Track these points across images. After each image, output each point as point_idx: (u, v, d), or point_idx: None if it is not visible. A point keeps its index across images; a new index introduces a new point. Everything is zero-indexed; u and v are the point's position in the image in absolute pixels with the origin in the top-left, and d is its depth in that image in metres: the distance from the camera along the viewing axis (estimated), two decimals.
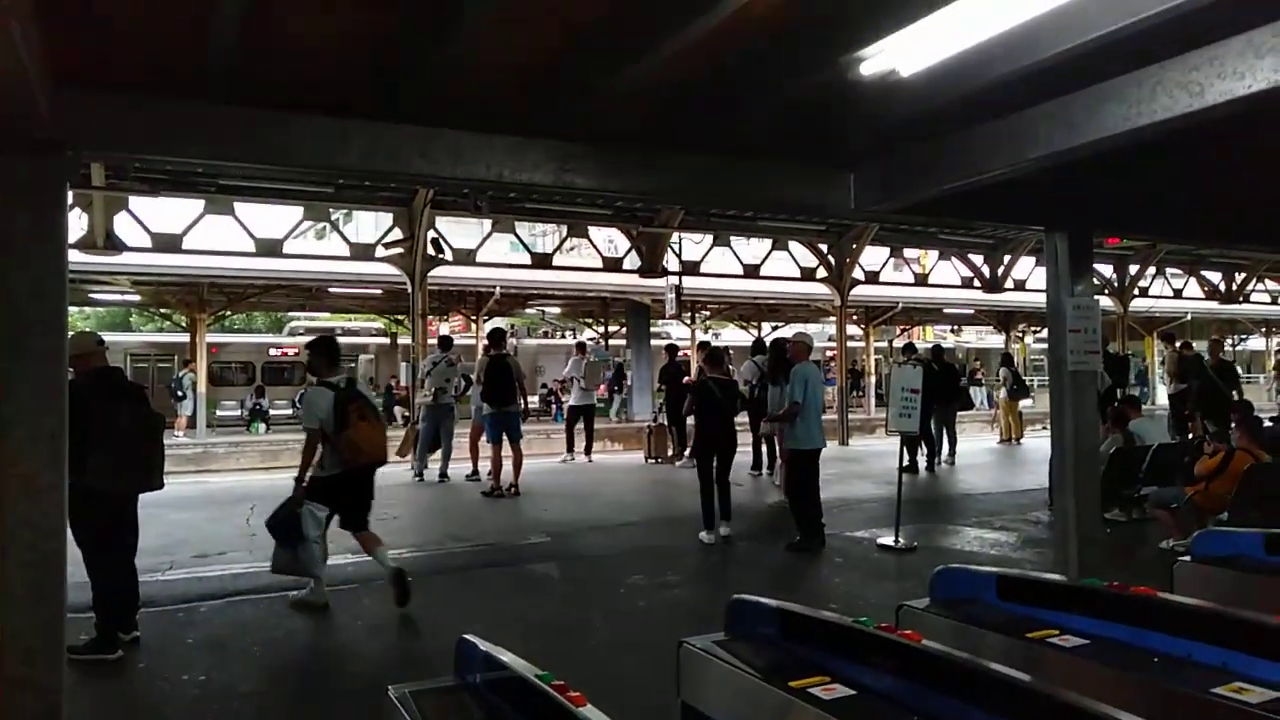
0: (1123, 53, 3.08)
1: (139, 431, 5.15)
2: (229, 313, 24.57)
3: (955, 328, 34.98)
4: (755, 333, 26.70)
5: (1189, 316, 26.64)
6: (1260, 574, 3.78)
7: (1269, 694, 2.36)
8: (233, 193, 13.30)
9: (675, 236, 16.96)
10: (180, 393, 20.70)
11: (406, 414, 19.25)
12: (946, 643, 2.64)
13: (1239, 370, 12.45)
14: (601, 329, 27.33)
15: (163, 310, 23.39)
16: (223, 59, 3.50)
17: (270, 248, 14.18)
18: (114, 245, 12.85)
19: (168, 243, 13.43)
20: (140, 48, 3.61)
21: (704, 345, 14.88)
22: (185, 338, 21.88)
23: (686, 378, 13.88)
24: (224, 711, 4.45)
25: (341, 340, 29.48)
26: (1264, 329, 32.25)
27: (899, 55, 3.13)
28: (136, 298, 21.91)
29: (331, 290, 21.59)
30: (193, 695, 4.64)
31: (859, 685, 2.52)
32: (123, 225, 12.96)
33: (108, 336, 6.65)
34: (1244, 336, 34.68)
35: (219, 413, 23.38)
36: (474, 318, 24.09)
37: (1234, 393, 11.78)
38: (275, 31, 3.54)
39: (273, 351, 27.37)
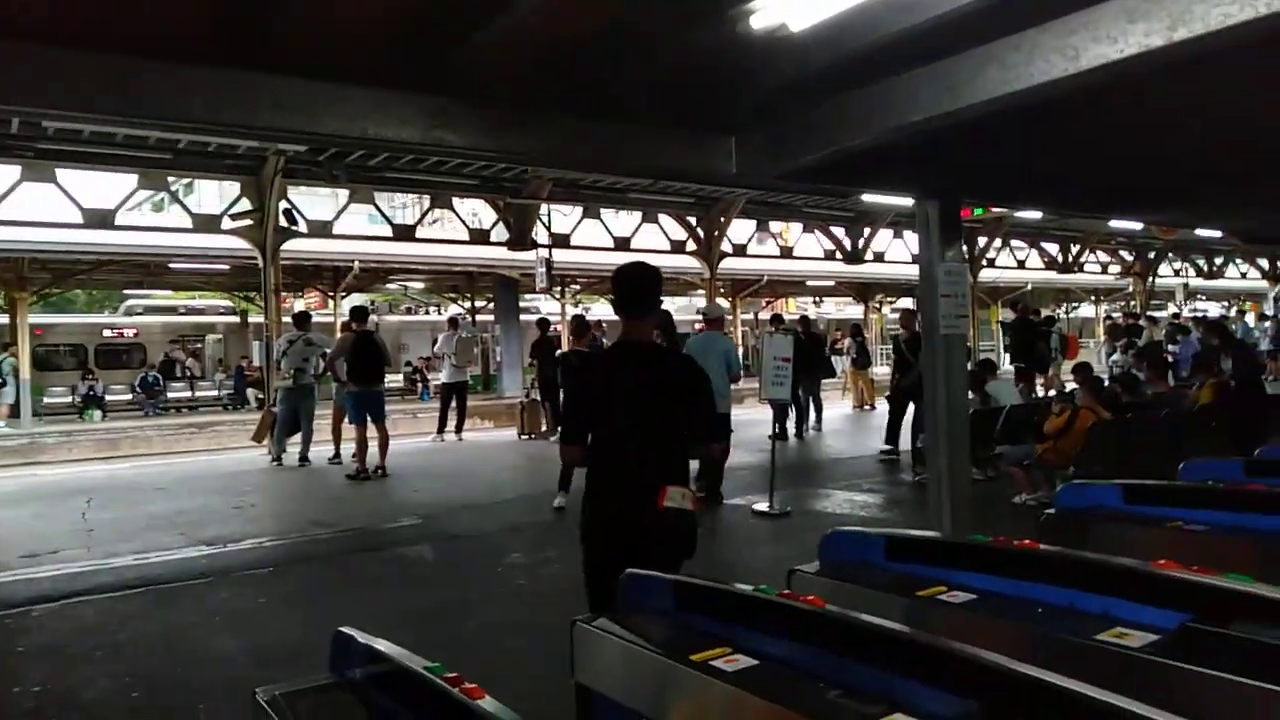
0: (1005, 14, 3.10)
1: None
2: (58, 290, 22.57)
3: (817, 299, 36.15)
4: None
5: (1029, 286, 28.51)
6: (1120, 522, 3.97)
7: (1149, 637, 2.44)
8: (54, 158, 12.07)
9: (544, 208, 16.67)
10: None
11: (260, 396, 18.26)
12: (840, 605, 2.61)
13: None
14: (468, 304, 26.70)
15: None
16: None
17: (101, 219, 13.01)
18: None
19: None
20: None
21: (579, 319, 14.74)
22: (3, 319, 19.91)
23: (559, 351, 13.72)
24: None
25: (186, 320, 27.89)
26: (1094, 297, 34.90)
27: (788, 8, 3.05)
28: None
29: (173, 266, 20.12)
30: (27, 708, 4.18)
31: (761, 655, 2.46)
32: None
33: None
34: (1076, 305, 37.47)
35: (46, 400, 21.48)
36: (332, 294, 23.06)
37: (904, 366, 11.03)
38: None
39: (107, 333, 25.34)
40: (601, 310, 29.17)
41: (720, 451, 3.66)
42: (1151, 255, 27.43)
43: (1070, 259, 25.70)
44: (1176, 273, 30.49)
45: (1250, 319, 27.42)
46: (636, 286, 3.33)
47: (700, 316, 26.45)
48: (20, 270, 17.93)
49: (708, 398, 3.48)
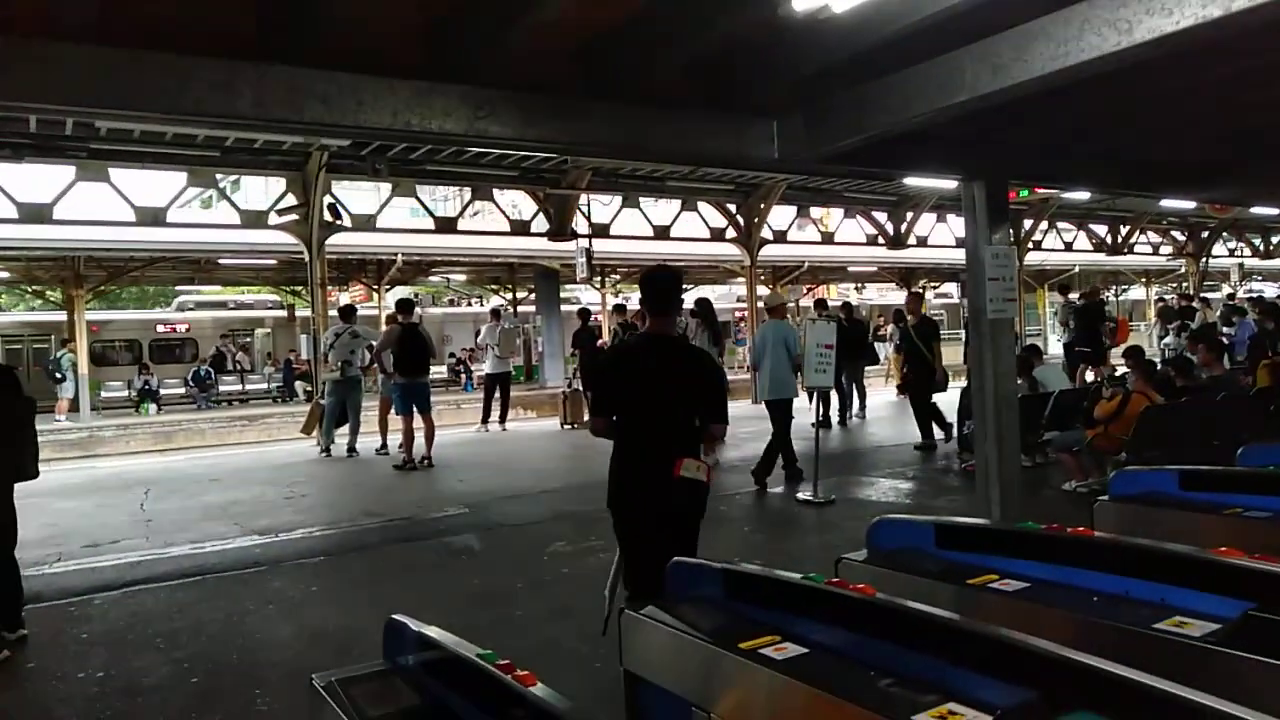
0: None
1: (6, 418, 4.76)
2: (114, 288, 23.14)
3: (859, 285, 35.74)
4: None
5: (1077, 269, 27.88)
6: (1177, 509, 3.88)
7: (1210, 626, 2.38)
8: (106, 158, 12.34)
9: (584, 198, 16.67)
10: (59, 374, 19.42)
11: (309, 389, 18.57)
12: (890, 593, 2.59)
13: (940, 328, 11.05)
14: (510, 295, 26.86)
15: (35, 287, 21.83)
16: None
17: (152, 217, 13.27)
18: None
19: (36, 213, 12.42)
20: None
21: (619, 309, 14.76)
22: (62, 315, 20.49)
23: (600, 340, 13.75)
24: (127, 709, 4.13)
25: (235, 314, 28.46)
26: (1145, 279, 34.03)
27: None
28: (4, 274, 20.40)
29: (222, 261, 20.54)
30: (91, 693, 4.30)
31: (811, 643, 2.44)
32: None
33: None
34: (1125, 287, 36.57)
35: (104, 394, 22.08)
36: (376, 287, 23.34)
37: (930, 354, 10.89)
38: None
39: (160, 328, 25.95)
40: None
41: (721, 433, 4.00)
42: (1205, 235, 26.63)
43: (1119, 240, 25.07)
44: (1231, 252, 29.58)
45: None
46: (659, 288, 3.84)
47: (739, 303, 26.37)
48: (76, 268, 18.42)
49: (719, 386, 3.98)
